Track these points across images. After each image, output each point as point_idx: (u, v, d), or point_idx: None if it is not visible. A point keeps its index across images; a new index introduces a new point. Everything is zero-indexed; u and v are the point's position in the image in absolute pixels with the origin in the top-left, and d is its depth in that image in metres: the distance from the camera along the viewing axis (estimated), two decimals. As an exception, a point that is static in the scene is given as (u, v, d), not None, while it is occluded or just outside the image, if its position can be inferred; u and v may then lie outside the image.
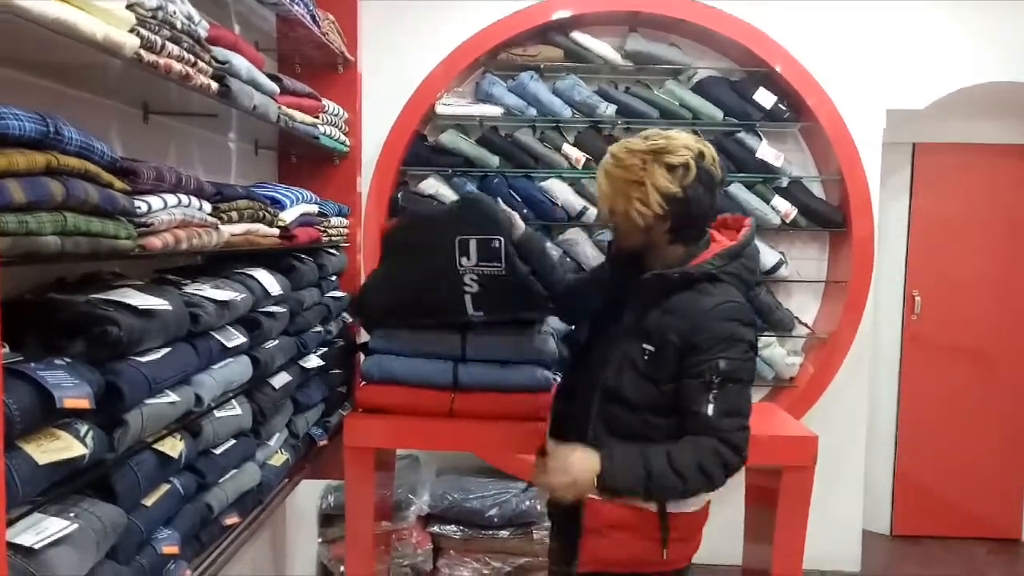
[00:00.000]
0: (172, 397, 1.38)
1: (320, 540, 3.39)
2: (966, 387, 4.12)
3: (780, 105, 3.53)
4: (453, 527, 3.37)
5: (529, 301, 2.04)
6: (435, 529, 3.38)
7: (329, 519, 3.40)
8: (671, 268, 1.66)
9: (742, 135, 3.57)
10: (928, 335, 4.14)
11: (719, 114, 3.53)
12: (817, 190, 3.71)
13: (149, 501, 1.35)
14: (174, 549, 1.39)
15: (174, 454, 1.40)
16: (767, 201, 3.54)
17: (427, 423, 2.30)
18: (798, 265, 3.69)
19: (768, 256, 3.56)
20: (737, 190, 3.54)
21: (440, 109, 3.51)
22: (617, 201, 1.68)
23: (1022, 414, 4.15)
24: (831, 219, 3.59)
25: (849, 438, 3.76)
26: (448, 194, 3.53)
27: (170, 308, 1.39)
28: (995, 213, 4.11)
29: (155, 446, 1.37)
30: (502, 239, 1.97)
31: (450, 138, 3.52)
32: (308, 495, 3.29)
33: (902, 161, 4.10)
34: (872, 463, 4.02)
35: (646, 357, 1.62)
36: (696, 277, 1.63)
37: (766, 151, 3.54)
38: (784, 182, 3.61)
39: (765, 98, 3.52)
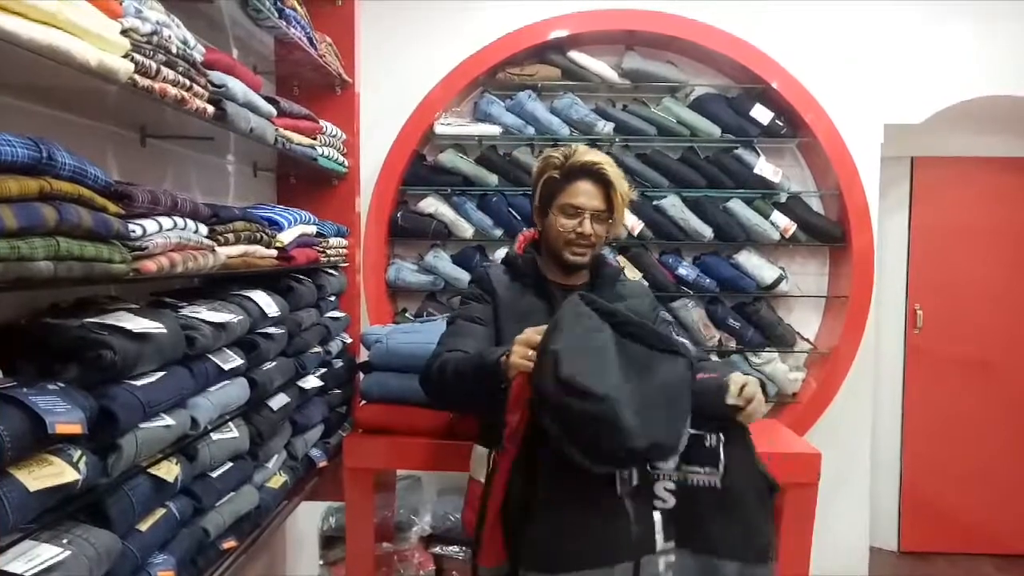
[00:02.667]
0: (167, 421, 1.38)
1: (321, 562, 3.36)
2: (971, 400, 4.09)
3: (777, 121, 3.54)
4: (455, 548, 3.34)
5: (750, 532, 1.42)
6: (437, 550, 3.35)
7: (330, 541, 3.37)
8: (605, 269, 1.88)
9: (740, 151, 3.57)
10: (931, 348, 4.12)
11: (716, 131, 3.53)
12: (816, 205, 3.71)
13: (144, 526, 1.34)
14: (170, 574, 1.38)
15: (169, 478, 1.39)
16: (766, 216, 3.54)
17: (428, 443, 2.29)
18: (798, 280, 3.68)
19: (768, 271, 3.55)
20: (736, 206, 3.54)
21: (439, 129, 3.52)
22: (624, 216, 1.82)
23: (1027, 427, 4.12)
24: (831, 234, 3.58)
25: (853, 453, 3.74)
26: (448, 213, 3.54)
27: (165, 331, 1.39)
28: (994, 225, 4.10)
29: (150, 470, 1.36)
30: (720, 436, 1.43)
31: (449, 157, 3.54)
32: (309, 517, 3.27)
33: (901, 175, 4.10)
34: (878, 479, 3.98)
35: None
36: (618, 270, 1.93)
37: (764, 167, 3.55)
38: (783, 197, 3.61)
39: (762, 114, 3.53)
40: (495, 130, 3.53)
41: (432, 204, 3.56)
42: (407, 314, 3.60)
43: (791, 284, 3.62)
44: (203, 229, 1.60)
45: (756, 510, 1.44)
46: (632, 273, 3.52)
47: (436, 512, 3.38)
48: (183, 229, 1.48)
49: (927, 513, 4.13)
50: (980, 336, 4.09)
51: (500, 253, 3.57)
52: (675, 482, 1.43)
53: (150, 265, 1.34)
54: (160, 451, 1.40)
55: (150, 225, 1.36)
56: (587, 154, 1.75)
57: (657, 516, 1.42)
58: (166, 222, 1.41)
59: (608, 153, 3.54)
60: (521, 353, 1.43)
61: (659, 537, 1.42)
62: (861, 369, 3.60)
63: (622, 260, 3.56)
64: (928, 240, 4.13)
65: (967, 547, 4.10)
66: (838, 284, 3.68)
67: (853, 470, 3.74)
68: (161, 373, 1.39)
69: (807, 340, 3.69)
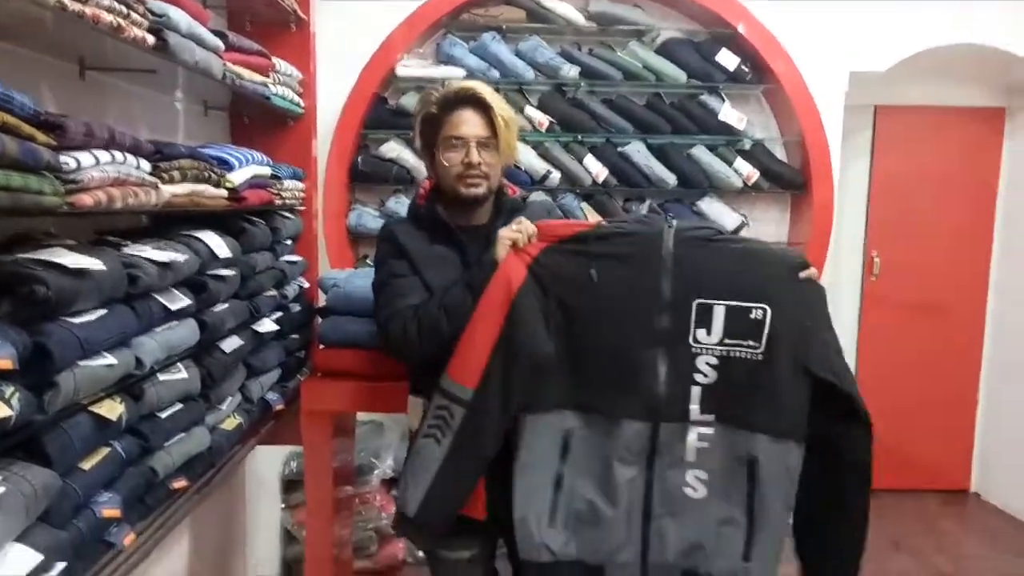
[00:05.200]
0: (109, 359, 1.35)
1: (283, 506, 3.39)
2: (922, 344, 4.21)
3: (743, 67, 3.51)
4: (417, 491, 3.38)
5: (790, 412, 1.45)
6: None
7: (292, 484, 3.39)
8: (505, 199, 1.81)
9: (705, 97, 3.55)
10: (886, 295, 4.21)
11: (683, 76, 3.50)
12: (779, 152, 3.71)
13: (87, 465, 1.32)
14: (115, 512, 1.37)
15: (112, 417, 1.37)
16: (729, 164, 3.54)
17: (387, 387, 2.28)
18: (759, 227, 3.70)
19: (729, 218, 3.56)
20: (699, 152, 3.53)
21: (400, 71, 3.44)
22: (512, 141, 1.74)
23: (974, 368, 4.26)
24: (792, 181, 3.60)
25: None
26: (409, 158, 3.48)
27: (104, 268, 1.35)
28: (954, 174, 4.16)
29: (91, 408, 1.34)
30: (767, 309, 1.42)
31: (411, 101, 3.46)
32: (270, 462, 3.28)
33: (864, 123, 4.12)
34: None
35: None
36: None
37: (729, 113, 3.53)
38: (746, 144, 3.61)
39: (728, 60, 3.50)
40: (458, 72, 3.45)
41: (394, 149, 3.50)
42: (368, 260, 3.56)
43: (751, 231, 3.64)
44: (145, 165, 1.55)
45: (793, 390, 1.44)
46: (595, 220, 3.51)
47: (398, 456, 3.41)
48: (122, 164, 1.44)
49: (876, 451, 4.24)
50: (935, 282, 4.19)
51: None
52: (717, 356, 1.43)
53: (86, 199, 1.30)
54: (103, 390, 1.38)
55: (85, 158, 1.31)
56: (462, 83, 1.71)
57: (696, 390, 1.44)
58: (103, 155, 1.37)
59: (573, 98, 3.54)
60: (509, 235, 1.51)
61: (694, 407, 1.44)
62: (818, 316, 3.66)
63: (586, 207, 3.55)
64: (888, 188, 4.18)
65: (912, 483, 4.25)
66: (798, 231, 3.71)
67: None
68: (102, 311, 1.36)
69: (767, 287, 3.72)
